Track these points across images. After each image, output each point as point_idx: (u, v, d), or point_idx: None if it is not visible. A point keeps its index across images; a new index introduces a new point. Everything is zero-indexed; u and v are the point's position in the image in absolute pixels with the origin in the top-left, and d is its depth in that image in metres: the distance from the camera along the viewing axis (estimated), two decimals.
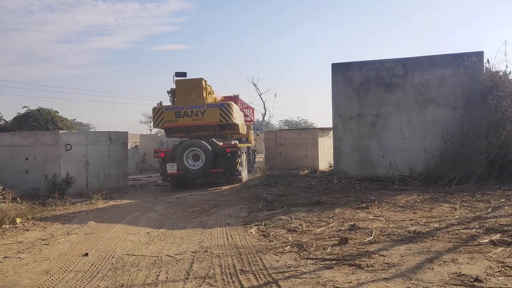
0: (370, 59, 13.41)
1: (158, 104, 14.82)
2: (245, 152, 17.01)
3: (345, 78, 13.43)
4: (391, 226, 7.10)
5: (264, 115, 54.60)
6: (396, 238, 6.26)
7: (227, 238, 7.12)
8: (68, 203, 11.48)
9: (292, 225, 7.79)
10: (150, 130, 65.81)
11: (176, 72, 14.44)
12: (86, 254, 6.32)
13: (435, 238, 6.08)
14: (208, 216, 9.22)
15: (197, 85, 14.63)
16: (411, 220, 7.54)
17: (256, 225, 8.02)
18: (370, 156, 13.12)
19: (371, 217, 8.03)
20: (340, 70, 13.48)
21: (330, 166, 16.73)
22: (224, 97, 16.63)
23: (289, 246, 6.25)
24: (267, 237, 7.10)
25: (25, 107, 31.88)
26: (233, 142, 16.06)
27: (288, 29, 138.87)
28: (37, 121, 29.40)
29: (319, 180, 12.94)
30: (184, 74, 14.46)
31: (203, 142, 14.25)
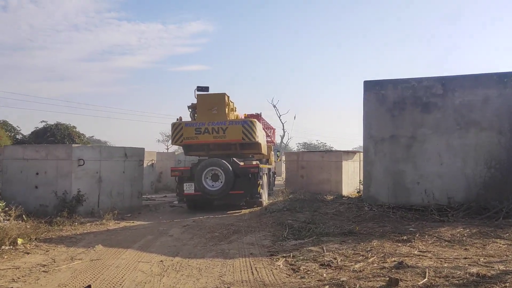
0: (403, 77, 12.46)
1: (177, 119, 14.06)
2: (266, 174, 16.08)
3: (378, 96, 12.49)
4: (445, 265, 6.03)
5: (282, 137, 53.71)
6: (457, 282, 5.20)
7: (252, 272, 6.15)
8: (76, 223, 10.65)
9: (325, 258, 6.79)
10: (167, 148, 65.43)
11: (198, 86, 13.72)
12: (89, 287, 5.41)
13: (507, 284, 5.00)
14: (229, 244, 8.26)
15: (220, 100, 13.86)
16: (465, 258, 6.46)
17: (284, 256, 7.04)
18: (404, 182, 12.04)
19: (416, 252, 6.97)
20: (372, 88, 12.56)
21: (358, 192, 15.64)
22: (247, 115, 15.83)
23: (327, 286, 5.25)
24: (297, 272, 6.12)
25: (43, 121, 31.78)
26: (254, 162, 15.18)
27: (308, 52, 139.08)
28: (54, 136, 29.09)
29: (348, 206, 11.89)
30: (206, 89, 13.73)
31: (223, 161, 13.38)
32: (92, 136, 57.60)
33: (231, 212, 13.68)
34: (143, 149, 14.75)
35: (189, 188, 13.70)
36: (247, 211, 13.85)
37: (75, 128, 32.61)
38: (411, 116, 12.06)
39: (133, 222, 11.48)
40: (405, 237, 7.89)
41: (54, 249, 7.83)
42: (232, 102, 14.65)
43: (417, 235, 8.14)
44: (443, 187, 11.58)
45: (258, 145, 14.50)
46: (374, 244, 7.57)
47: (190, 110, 14.51)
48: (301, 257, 6.93)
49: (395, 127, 12.23)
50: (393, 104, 12.29)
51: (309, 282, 5.56)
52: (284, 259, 6.90)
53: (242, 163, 13.91)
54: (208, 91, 13.82)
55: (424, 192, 11.74)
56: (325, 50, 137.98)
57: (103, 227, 10.52)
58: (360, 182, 24.90)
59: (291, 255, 7.07)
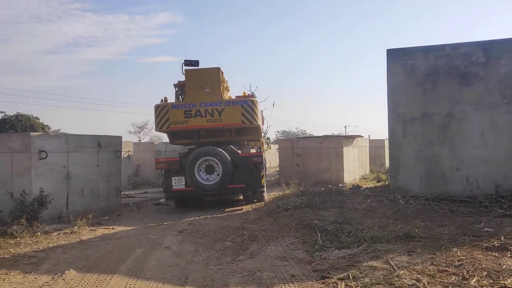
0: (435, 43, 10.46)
1: (162, 100, 11.63)
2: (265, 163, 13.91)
3: (405, 68, 10.46)
4: None
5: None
6: None
7: None
8: (39, 232, 8.22)
9: (404, 280, 4.70)
10: (139, 140, 62.19)
11: (185, 60, 11.30)
12: None
13: None
14: (252, 259, 6.06)
15: (213, 76, 11.50)
16: None
17: (341, 279, 4.90)
18: (439, 168, 10.09)
19: None
20: (398, 58, 10.51)
21: (379, 181, 13.64)
22: (237, 97, 13.40)
23: None
24: None
25: (1, 112, 28.51)
26: (253, 150, 12.98)
27: (283, 40, 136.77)
28: (14, 128, 25.99)
29: (377, 200, 9.83)
30: (196, 63, 11.34)
31: (220, 150, 11.10)
32: (59, 130, 53.80)
33: (230, 209, 11.45)
34: (121, 137, 12.29)
35: (178, 182, 11.37)
36: (248, 207, 11.66)
37: (38, 119, 29.44)
38: (446, 90, 10.09)
39: (113, 228, 9.10)
40: (495, 243, 5.86)
41: (4, 279, 5.42)
42: (226, 80, 12.32)
43: (502, 238, 6.14)
44: (489, 174, 9.69)
45: (258, 130, 12.27)
46: (458, 254, 5.51)
47: (176, 89, 12.10)
48: (366, 280, 4.82)
49: (427, 104, 10.25)
50: (424, 76, 10.28)
51: None
52: (343, 283, 4.77)
53: (241, 152, 11.69)
54: (198, 65, 11.44)
55: (465, 180, 9.84)
56: (298, 39, 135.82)
57: (75, 237, 8.10)
58: (374, 169, 23.19)
59: (350, 276, 4.94)
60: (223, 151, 11.09)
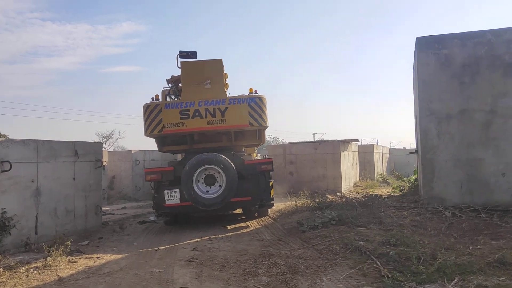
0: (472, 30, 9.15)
1: (152, 99, 9.75)
2: None
3: (439, 58, 9.06)
4: None
5: None
6: None
7: None
8: (1, 268, 6.22)
9: None
10: (105, 149, 58.98)
11: (180, 51, 9.50)
12: None
13: None
14: None
15: (215, 69, 9.72)
16: None
17: None
18: (482, 174, 8.70)
19: None
20: (430, 47, 9.11)
21: (401, 190, 12.14)
22: (253, 90, 11.13)
23: None
24: None
25: None
26: (257, 156, 11.33)
27: (244, 44, 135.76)
28: None
29: (416, 213, 8.29)
30: (193, 55, 9.57)
31: (223, 156, 9.34)
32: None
33: (232, 227, 9.73)
34: (101, 144, 10.37)
35: (172, 196, 9.53)
36: (254, 224, 9.95)
37: None
38: (488, 83, 8.74)
39: (98, 258, 7.17)
40: None
41: None
42: (227, 74, 10.56)
43: None
44: None
45: (262, 133, 10.57)
46: None
47: (169, 85, 10.26)
48: None
49: (465, 99, 8.86)
50: (461, 67, 8.91)
51: None
52: None
53: (246, 159, 10.00)
54: (196, 57, 9.66)
55: None
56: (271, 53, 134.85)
57: (51, 273, 6.14)
58: (364, 176, 21.68)
59: None
60: (227, 158, 9.35)
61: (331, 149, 16.87)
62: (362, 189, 18.13)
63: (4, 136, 27.41)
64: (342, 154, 16.94)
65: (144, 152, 18.05)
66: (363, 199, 10.28)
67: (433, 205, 8.66)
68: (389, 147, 33.85)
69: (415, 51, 9.50)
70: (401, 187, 12.41)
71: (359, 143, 22.50)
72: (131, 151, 17.59)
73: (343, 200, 10.47)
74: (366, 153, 23.85)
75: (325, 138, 28.30)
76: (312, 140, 25.02)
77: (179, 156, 17.59)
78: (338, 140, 17.31)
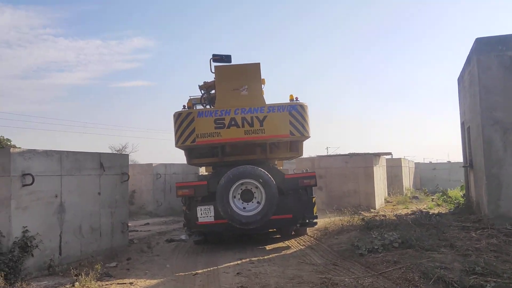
0: None
1: (184, 107, 8.98)
2: None
3: (502, 61, 8.19)
4: None
5: None
6: None
7: None
8: None
9: None
10: None
11: (213, 55, 8.76)
12: None
13: None
14: None
15: (253, 74, 8.94)
16: None
17: None
18: None
19: None
20: (492, 49, 8.25)
21: (457, 206, 11.10)
22: (294, 97, 10.09)
23: None
24: None
25: None
26: (299, 170, 10.47)
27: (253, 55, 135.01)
28: None
29: (487, 235, 7.30)
30: (227, 58, 8.82)
31: (261, 170, 8.50)
32: None
33: (271, 247, 8.86)
34: (127, 156, 9.58)
35: (206, 213, 8.69)
36: (295, 244, 9.07)
37: (10, 141, 26.13)
38: None
39: (131, 284, 6.33)
40: None
41: None
42: (265, 80, 9.75)
43: None
44: None
45: (300, 144, 9.71)
46: None
47: (202, 91, 9.49)
48: None
49: None
50: None
51: None
52: None
53: (286, 173, 9.15)
54: (230, 61, 8.91)
55: None
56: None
57: None
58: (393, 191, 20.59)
59: None
60: (266, 172, 8.50)
61: (363, 163, 15.94)
62: (393, 205, 17.16)
63: (19, 148, 26.81)
64: (374, 168, 15.99)
65: (165, 165, 17.28)
66: (414, 217, 9.31)
67: (503, 225, 7.69)
68: (414, 161, 32.69)
69: (471, 54, 8.64)
70: (456, 204, 11.36)
71: (390, 156, 21.45)
72: (152, 164, 16.81)
73: (395, 218, 9.51)
74: (393, 167, 22.80)
75: (339, 152, 27.38)
76: (336, 153, 23.97)
77: (201, 170, 16.85)
78: (371, 154, 16.36)
